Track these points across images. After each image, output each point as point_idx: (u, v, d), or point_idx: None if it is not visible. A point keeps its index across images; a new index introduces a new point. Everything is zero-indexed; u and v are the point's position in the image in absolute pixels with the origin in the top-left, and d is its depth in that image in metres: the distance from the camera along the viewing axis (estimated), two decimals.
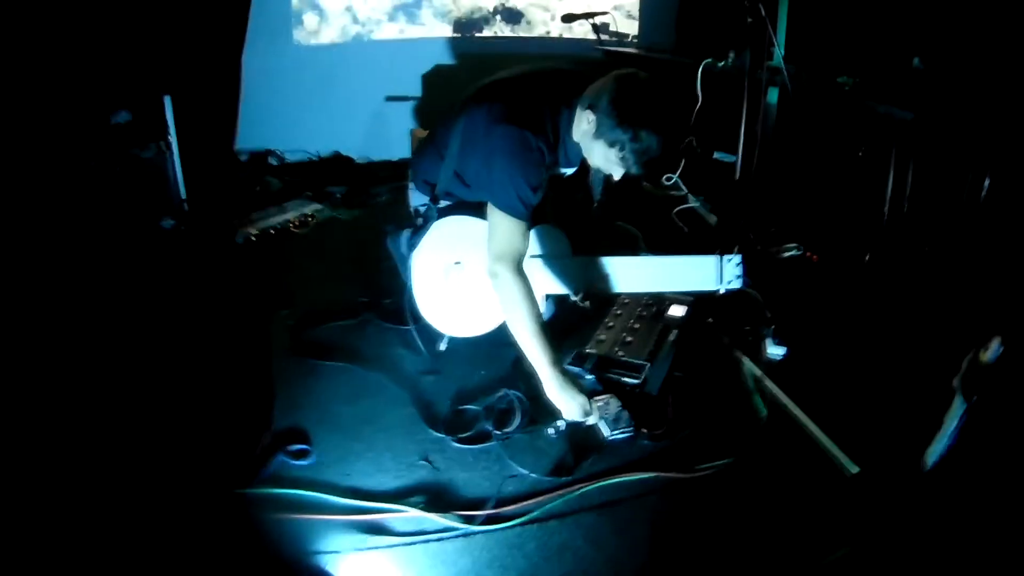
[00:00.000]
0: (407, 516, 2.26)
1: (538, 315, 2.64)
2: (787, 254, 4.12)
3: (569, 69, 2.92)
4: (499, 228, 2.66)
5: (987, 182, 3.58)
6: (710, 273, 3.09)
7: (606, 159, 2.70)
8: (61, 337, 2.96)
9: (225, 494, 2.29)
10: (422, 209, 3.06)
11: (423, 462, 2.50)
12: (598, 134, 2.64)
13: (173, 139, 3.94)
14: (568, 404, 2.59)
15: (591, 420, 2.62)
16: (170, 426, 2.58)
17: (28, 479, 2.25)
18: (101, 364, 2.85)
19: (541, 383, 2.64)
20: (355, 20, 5.29)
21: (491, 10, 5.54)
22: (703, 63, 4.39)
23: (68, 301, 3.15)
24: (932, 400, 2.35)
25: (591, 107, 2.64)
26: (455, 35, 5.49)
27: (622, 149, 2.61)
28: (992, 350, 2.12)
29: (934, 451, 2.30)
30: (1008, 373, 2.12)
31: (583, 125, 2.69)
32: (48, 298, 3.12)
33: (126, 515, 2.16)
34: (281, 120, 5.07)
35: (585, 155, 2.81)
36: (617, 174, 2.75)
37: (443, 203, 3.00)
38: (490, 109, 2.74)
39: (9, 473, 2.26)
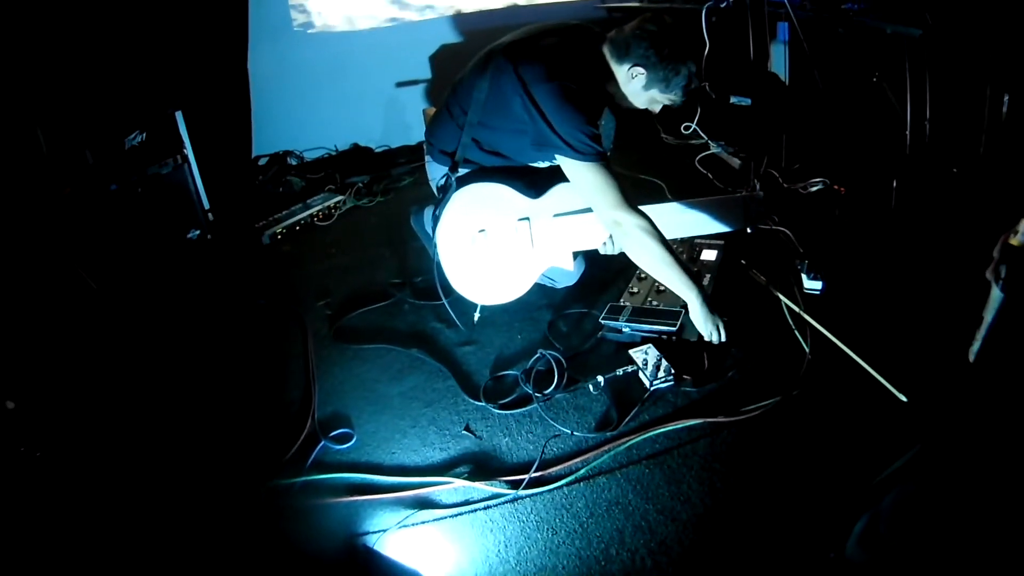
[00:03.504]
0: (452, 487, 2.26)
1: (670, 246, 2.70)
2: (813, 189, 4.05)
3: (578, 24, 2.94)
4: (591, 181, 2.70)
5: (1007, 97, 3.47)
6: (736, 212, 3.04)
7: (652, 101, 2.82)
8: (110, 352, 3.06)
9: (266, 486, 2.31)
10: (441, 182, 3.04)
11: (465, 432, 2.50)
12: (649, 85, 2.75)
13: (189, 152, 3.97)
14: (705, 326, 2.70)
15: (720, 339, 2.70)
16: (212, 424, 2.63)
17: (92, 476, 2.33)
18: (148, 372, 2.93)
19: (688, 305, 2.74)
20: (354, 11, 5.26)
21: None
22: (706, 5, 4.30)
23: (111, 320, 3.25)
24: (970, 303, 2.28)
25: (636, 64, 2.72)
26: (456, 12, 5.45)
27: (675, 92, 2.75)
28: (1022, 232, 2.06)
29: (976, 347, 2.27)
30: None
31: (622, 76, 2.78)
32: (95, 319, 3.23)
33: (166, 514, 2.22)
34: (295, 120, 5.08)
35: (622, 103, 2.89)
36: (657, 109, 2.87)
37: (462, 170, 2.99)
38: (519, 70, 2.73)
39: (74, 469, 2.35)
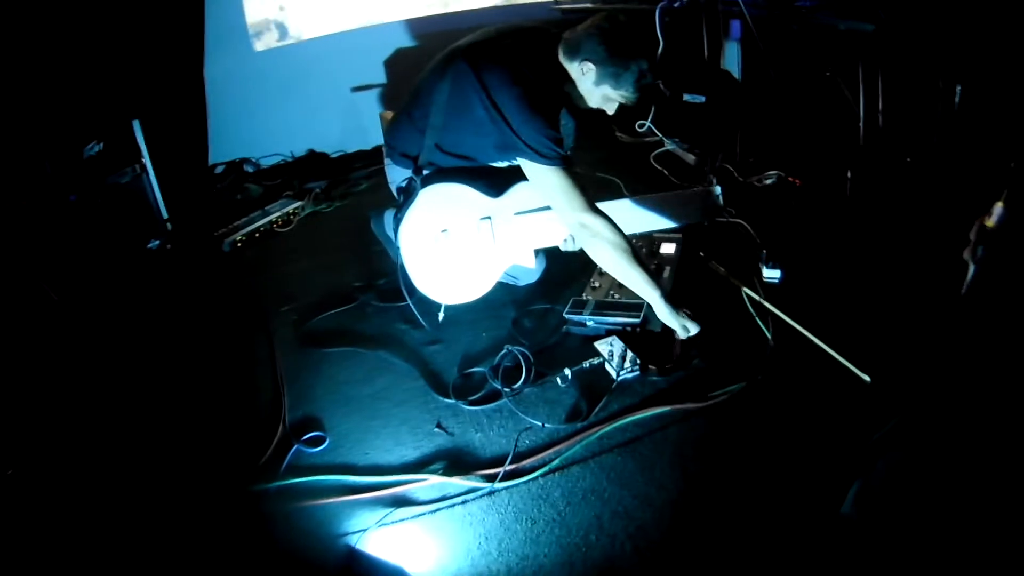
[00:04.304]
0: (428, 484, 2.28)
1: (634, 247, 2.74)
2: (768, 182, 4.14)
3: (533, 25, 2.97)
4: (554, 184, 2.73)
5: (959, 88, 3.58)
6: (694, 207, 3.09)
7: (606, 99, 2.83)
8: (75, 363, 3.01)
9: (243, 492, 2.31)
10: (403, 184, 3.05)
11: (438, 430, 2.52)
12: (599, 81, 2.76)
13: (147, 161, 3.94)
14: (675, 322, 2.73)
15: (694, 331, 2.73)
16: (183, 431, 2.61)
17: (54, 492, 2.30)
18: (113, 383, 2.89)
19: (652, 307, 2.76)
20: (308, 17, 5.25)
21: None
22: (660, 5, 4.37)
23: (73, 332, 3.20)
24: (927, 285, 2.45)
25: (586, 59, 2.73)
26: (411, 16, 5.45)
27: (626, 88, 2.75)
28: (996, 215, 2.20)
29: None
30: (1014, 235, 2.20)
31: (576, 75, 2.80)
32: (57, 331, 3.19)
33: (145, 524, 2.20)
34: (251, 127, 5.05)
35: (578, 103, 2.90)
36: (611, 109, 2.88)
37: (426, 172, 3.00)
38: (481, 74, 2.75)
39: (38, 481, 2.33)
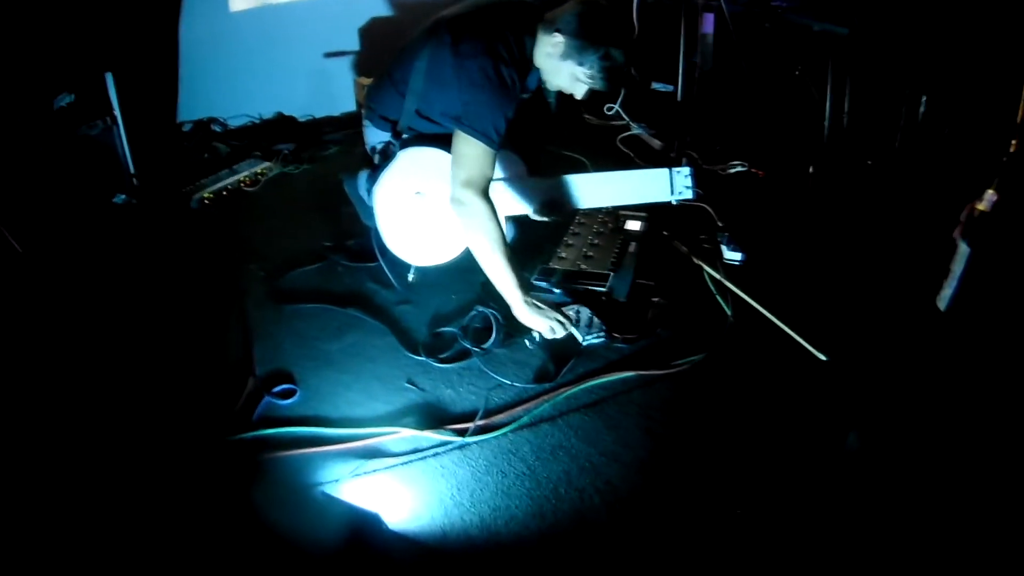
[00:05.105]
0: (400, 437, 2.34)
1: (505, 240, 2.71)
2: (732, 171, 4.25)
3: (519, 0, 2.98)
4: (468, 155, 2.69)
5: (924, 98, 3.76)
6: (663, 185, 3.18)
7: (573, 78, 2.80)
8: (40, 314, 3.00)
9: (217, 442, 2.33)
10: (379, 146, 3.08)
11: (409, 385, 2.58)
12: (566, 55, 2.74)
13: (118, 115, 3.91)
14: (539, 322, 2.71)
15: (562, 334, 2.72)
16: (151, 384, 2.61)
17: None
18: (79, 334, 2.88)
19: (510, 306, 2.74)
20: None
21: None
22: None
23: (38, 282, 3.19)
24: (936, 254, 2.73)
25: (558, 30, 2.73)
26: None
27: (591, 67, 2.72)
28: (987, 200, 2.45)
29: (945, 295, 2.70)
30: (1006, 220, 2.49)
31: (548, 48, 2.78)
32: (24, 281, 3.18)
33: (119, 474, 2.21)
34: (220, 87, 5.01)
35: (548, 77, 2.89)
36: (579, 93, 2.86)
37: (405, 136, 3.04)
38: (458, 43, 2.77)
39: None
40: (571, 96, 2.93)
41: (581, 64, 2.73)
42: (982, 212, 2.55)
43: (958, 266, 2.66)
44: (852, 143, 4.06)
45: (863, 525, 1.98)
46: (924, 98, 3.76)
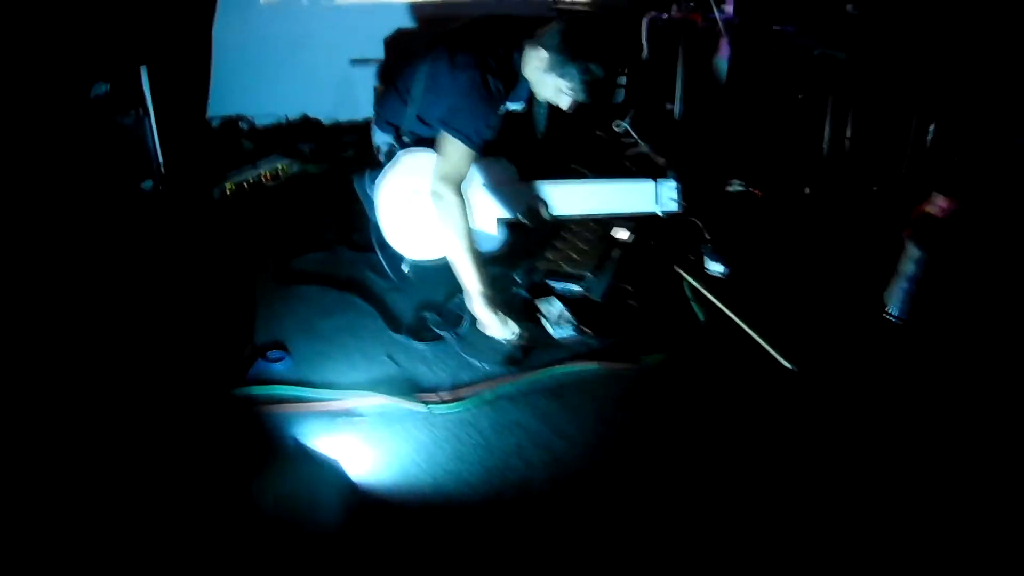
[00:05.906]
0: (373, 402, 2.57)
1: (472, 235, 2.91)
2: (731, 189, 4.41)
3: (518, 16, 3.24)
4: (450, 154, 2.91)
5: (932, 127, 3.86)
6: (648, 196, 3.37)
7: (556, 90, 3.01)
8: (63, 291, 3.20)
9: (216, 395, 2.59)
10: (384, 147, 3.34)
11: (387, 358, 2.82)
12: (549, 69, 2.96)
13: (150, 106, 4.17)
14: (492, 321, 2.91)
15: (512, 338, 2.91)
16: (167, 346, 2.87)
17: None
18: (104, 308, 3.10)
19: (469, 297, 2.94)
20: None
21: None
22: (648, 16, 4.64)
23: (66, 259, 3.40)
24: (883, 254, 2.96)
25: (543, 46, 2.95)
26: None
27: (572, 80, 2.93)
28: (935, 204, 2.62)
29: (894, 295, 2.94)
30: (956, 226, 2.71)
31: (534, 62, 3.00)
32: (48, 256, 3.38)
33: (133, 416, 2.46)
34: (250, 86, 5.26)
35: (536, 89, 3.11)
36: (565, 104, 3.07)
37: (406, 139, 3.28)
38: (454, 56, 3.01)
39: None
40: (580, 111, 3.15)
41: (563, 77, 2.93)
42: (931, 215, 2.71)
43: (907, 267, 2.86)
44: (855, 167, 4.19)
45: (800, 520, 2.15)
46: (932, 127, 3.88)
